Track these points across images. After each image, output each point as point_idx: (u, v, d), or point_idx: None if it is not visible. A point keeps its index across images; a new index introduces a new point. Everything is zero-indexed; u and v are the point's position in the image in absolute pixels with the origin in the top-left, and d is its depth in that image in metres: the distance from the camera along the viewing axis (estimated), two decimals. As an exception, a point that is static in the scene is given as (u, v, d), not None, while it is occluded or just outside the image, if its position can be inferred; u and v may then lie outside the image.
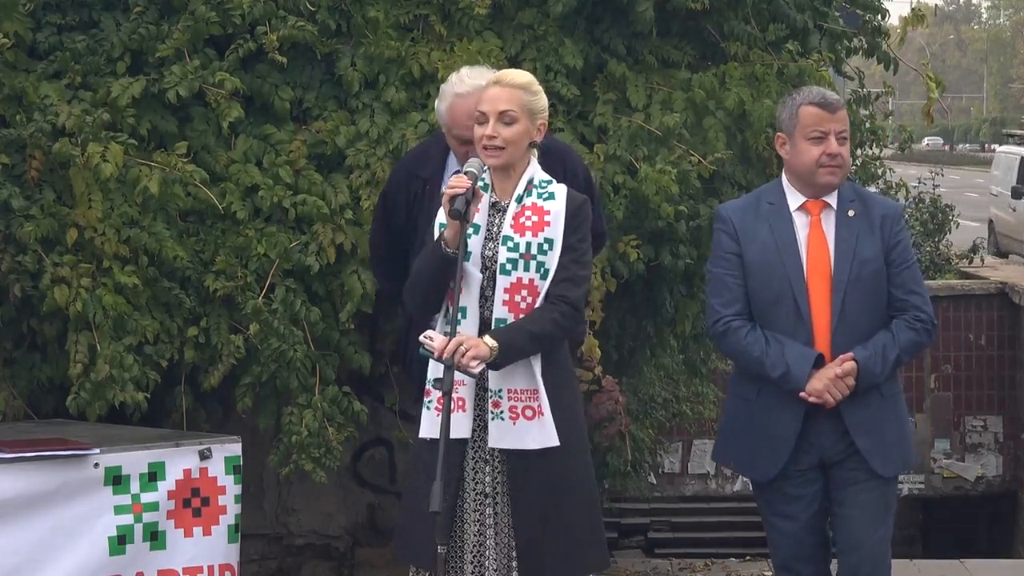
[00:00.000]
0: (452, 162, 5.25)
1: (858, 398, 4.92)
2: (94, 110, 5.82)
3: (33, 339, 5.93)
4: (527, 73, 4.87)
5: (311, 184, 6.09)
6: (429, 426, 4.69)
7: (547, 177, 4.78)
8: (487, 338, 4.53)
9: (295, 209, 6.03)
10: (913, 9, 7.17)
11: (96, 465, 5.16)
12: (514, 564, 4.65)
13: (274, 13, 6.16)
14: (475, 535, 4.67)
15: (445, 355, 4.47)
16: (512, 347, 4.56)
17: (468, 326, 4.60)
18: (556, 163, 5.19)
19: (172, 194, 5.90)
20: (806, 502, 5.01)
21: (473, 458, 4.69)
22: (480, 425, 4.68)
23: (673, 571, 9.11)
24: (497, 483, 4.67)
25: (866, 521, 5.01)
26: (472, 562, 4.66)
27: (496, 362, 4.54)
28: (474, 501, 4.68)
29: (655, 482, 14.64)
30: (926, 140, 73.64)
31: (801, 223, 4.99)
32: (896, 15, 7.68)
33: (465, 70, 5.26)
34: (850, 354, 4.88)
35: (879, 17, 7.31)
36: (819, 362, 4.90)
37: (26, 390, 5.95)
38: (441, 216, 4.70)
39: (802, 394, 4.88)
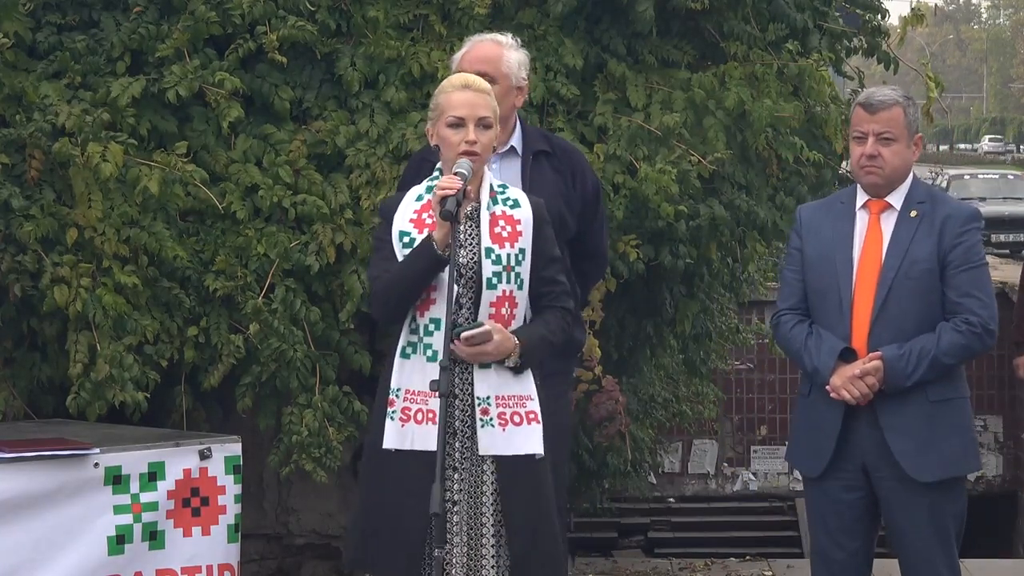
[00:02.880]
0: None
1: (897, 399, 4.83)
2: (94, 110, 5.82)
3: (33, 339, 5.93)
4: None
5: (311, 184, 6.09)
6: (395, 437, 4.56)
7: (499, 181, 4.74)
8: (515, 338, 4.52)
9: (295, 209, 6.03)
10: (913, 9, 7.15)
11: (96, 465, 5.15)
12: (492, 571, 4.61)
13: (274, 13, 6.16)
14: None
15: (468, 340, 4.45)
16: (533, 356, 4.57)
17: (439, 337, 4.50)
18: (563, 164, 5.17)
19: (172, 194, 5.90)
20: (846, 506, 4.93)
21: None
22: (449, 432, 4.57)
23: (673, 571, 9.11)
24: (461, 491, 4.58)
25: (913, 536, 4.89)
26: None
27: (517, 366, 4.54)
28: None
29: (655, 482, 14.63)
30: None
31: (861, 221, 4.96)
32: (896, 15, 7.67)
33: None
34: (878, 352, 4.81)
35: (879, 17, 7.31)
36: (847, 356, 4.83)
37: (26, 390, 5.95)
38: (401, 223, 4.61)
39: (826, 387, 4.85)
